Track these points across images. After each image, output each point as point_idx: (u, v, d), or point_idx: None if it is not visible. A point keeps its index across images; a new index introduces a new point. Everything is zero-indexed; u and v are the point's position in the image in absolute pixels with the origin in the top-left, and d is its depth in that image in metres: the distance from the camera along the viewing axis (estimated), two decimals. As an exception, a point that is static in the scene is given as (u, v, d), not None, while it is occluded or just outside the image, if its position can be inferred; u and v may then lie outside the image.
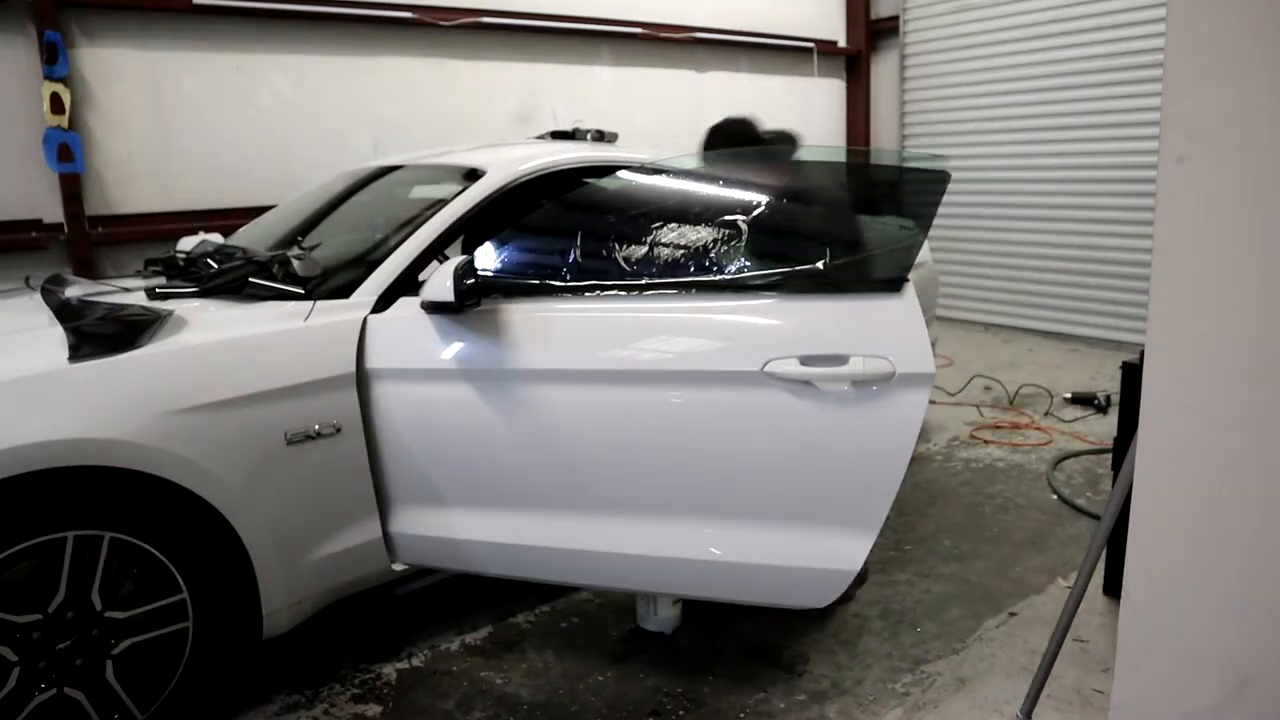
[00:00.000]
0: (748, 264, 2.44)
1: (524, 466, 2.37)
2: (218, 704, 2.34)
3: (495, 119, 5.86)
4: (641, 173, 2.72)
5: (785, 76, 7.57)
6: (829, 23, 7.89)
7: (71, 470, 1.97)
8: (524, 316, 2.35)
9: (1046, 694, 2.28)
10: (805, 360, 2.12)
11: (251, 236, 3.27)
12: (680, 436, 2.25)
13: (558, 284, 2.45)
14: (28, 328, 2.37)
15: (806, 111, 7.83)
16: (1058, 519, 3.51)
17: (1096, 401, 4.94)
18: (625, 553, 2.31)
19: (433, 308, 2.31)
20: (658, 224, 2.57)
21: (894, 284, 2.17)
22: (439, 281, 2.27)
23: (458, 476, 2.42)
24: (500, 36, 5.87)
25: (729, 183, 2.64)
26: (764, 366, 2.13)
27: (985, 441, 4.46)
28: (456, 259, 2.30)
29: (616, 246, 2.53)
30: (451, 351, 2.36)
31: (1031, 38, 6.71)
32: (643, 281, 2.45)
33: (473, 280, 2.27)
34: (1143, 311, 2.15)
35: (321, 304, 2.44)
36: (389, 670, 2.58)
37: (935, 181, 2.46)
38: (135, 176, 4.73)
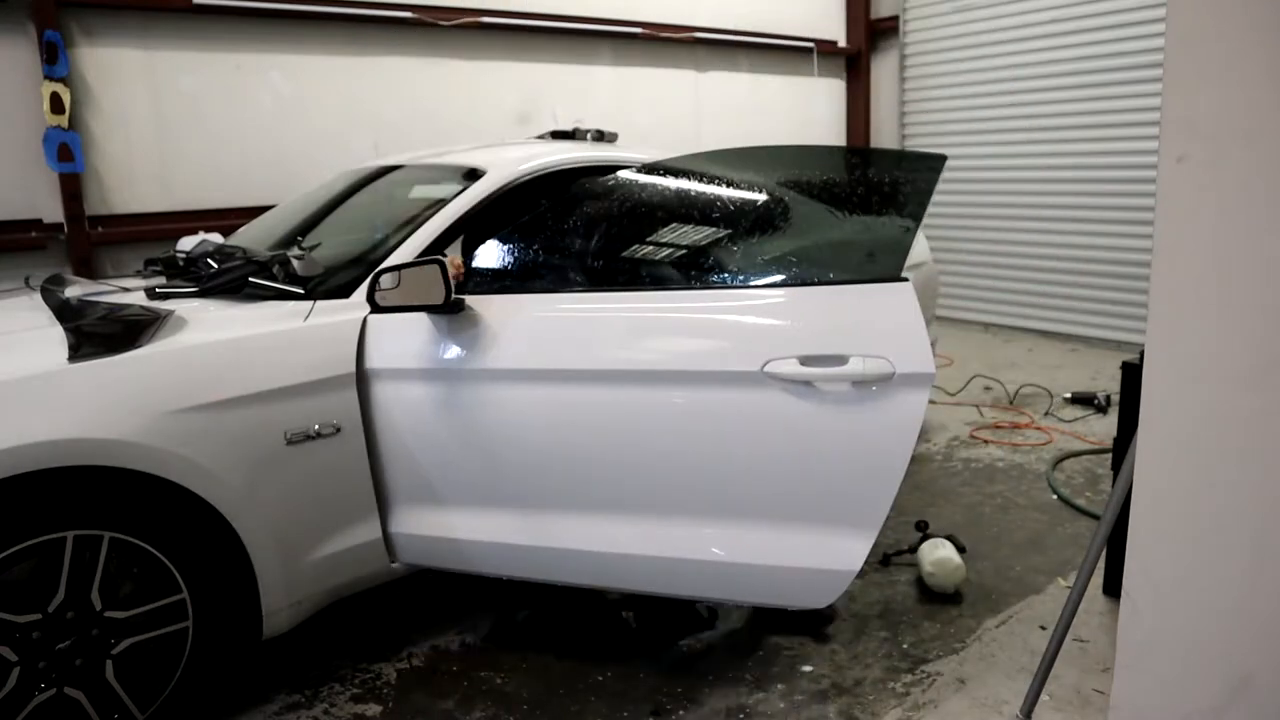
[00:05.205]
0: (744, 262, 2.44)
1: (524, 466, 2.37)
2: (218, 704, 2.34)
3: (495, 119, 5.86)
4: (641, 172, 2.72)
5: (785, 76, 7.57)
6: (829, 23, 7.89)
7: (71, 470, 1.97)
8: (525, 316, 2.36)
9: (1046, 694, 2.28)
10: (805, 360, 2.12)
11: (251, 236, 3.27)
12: (680, 436, 2.25)
13: (557, 284, 2.45)
14: (28, 328, 2.37)
15: (806, 111, 7.83)
16: (1058, 519, 3.51)
17: (1096, 401, 4.94)
18: (625, 553, 2.31)
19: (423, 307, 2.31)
20: (657, 223, 2.58)
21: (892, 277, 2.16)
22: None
23: (458, 476, 2.42)
24: (500, 36, 5.87)
25: (725, 181, 2.64)
26: (763, 367, 2.13)
27: (985, 441, 4.46)
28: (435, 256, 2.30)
29: (617, 246, 2.53)
30: (452, 351, 2.37)
31: (1031, 38, 6.71)
32: (642, 281, 2.45)
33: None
34: (1143, 311, 2.15)
35: (321, 304, 2.44)
36: (389, 670, 2.58)
37: (930, 170, 2.44)
38: (135, 176, 4.73)
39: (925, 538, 3.07)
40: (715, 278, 2.43)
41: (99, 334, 2.14)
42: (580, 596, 2.92)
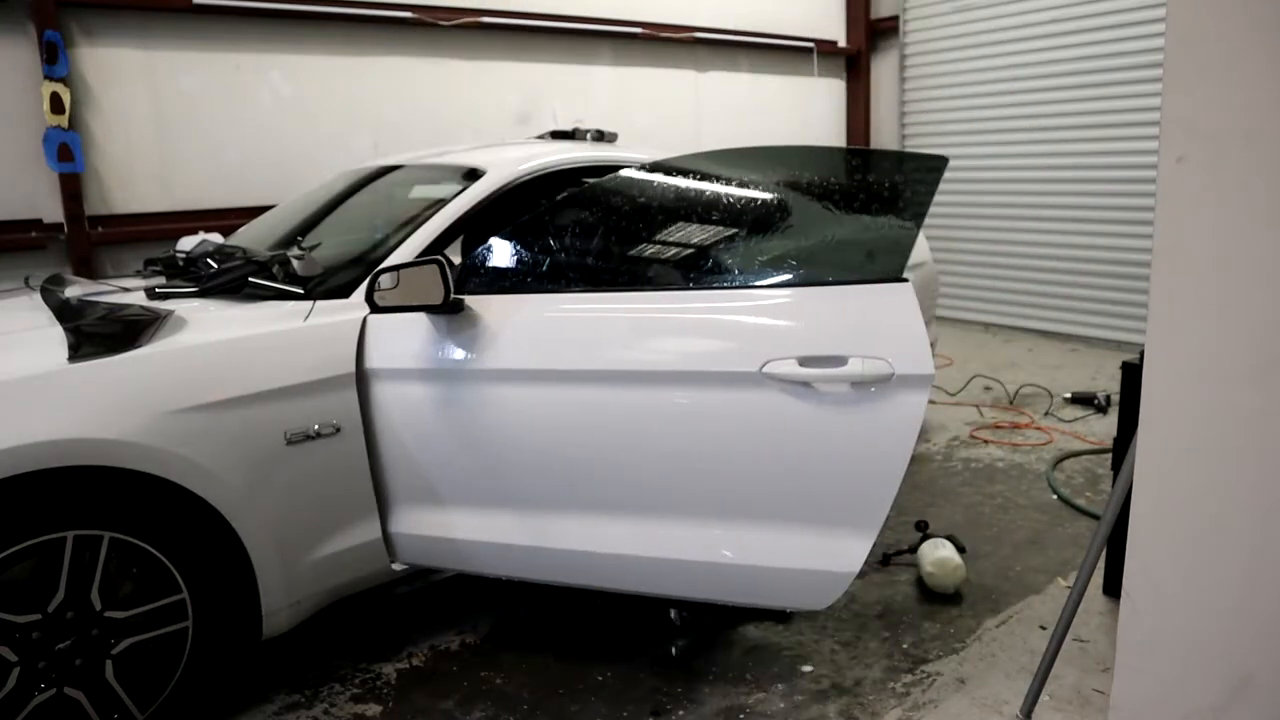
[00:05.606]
0: (743, 262, 2.44)
1: (524, 467, 2.37)
2: (218, 704, 2.34)
3: (495, 119, 5.86)
4: (640, 172, 2.72)
5: (785, 76, 7.58)
6: (829, 23, 7.89)
7: (71, 470, 1.97)
8: (524, 317, 2.36)
9: (1046, 694, 2.28)
10: (804, 361, 2.12)
11: (251, 236, 3.27)
12: (679, 437, 2.24)
13: (556, 284, 2.45)
14: (28, 328, 2.37)
15: (806, 111, 7.83)
16: (1058, 519, 3.51)
17: (1096, 401, 4.94)
18: (625, 553, 2.31)
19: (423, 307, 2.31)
20: (656, 223, 2.57)
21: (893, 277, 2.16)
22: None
23: (458, 477, 2.42)
24: (500, 36, 5.87)
25: (726, 182, 2.64)
26: (762, 367, 2.13)
27: (985, 441, 4.46)
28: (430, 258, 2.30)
29: (616, 246, 2.53)
30: (451, 351, 2.37)
31: (1031, 38, 6.71)
32: (642, 281, 2.45)
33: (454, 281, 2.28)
34: (1143, 311, 2.15)
35: (321, 304, 2.44)
36: (389, 670, 2.58)
37: (931, 171, 2.45)
38: (135, 176, 4.73)
39: (925, 538, 3.07)
40: (715, 278, 2.43)
41: (99, 334, 2.14)
42: (603, 597, 2.92)
